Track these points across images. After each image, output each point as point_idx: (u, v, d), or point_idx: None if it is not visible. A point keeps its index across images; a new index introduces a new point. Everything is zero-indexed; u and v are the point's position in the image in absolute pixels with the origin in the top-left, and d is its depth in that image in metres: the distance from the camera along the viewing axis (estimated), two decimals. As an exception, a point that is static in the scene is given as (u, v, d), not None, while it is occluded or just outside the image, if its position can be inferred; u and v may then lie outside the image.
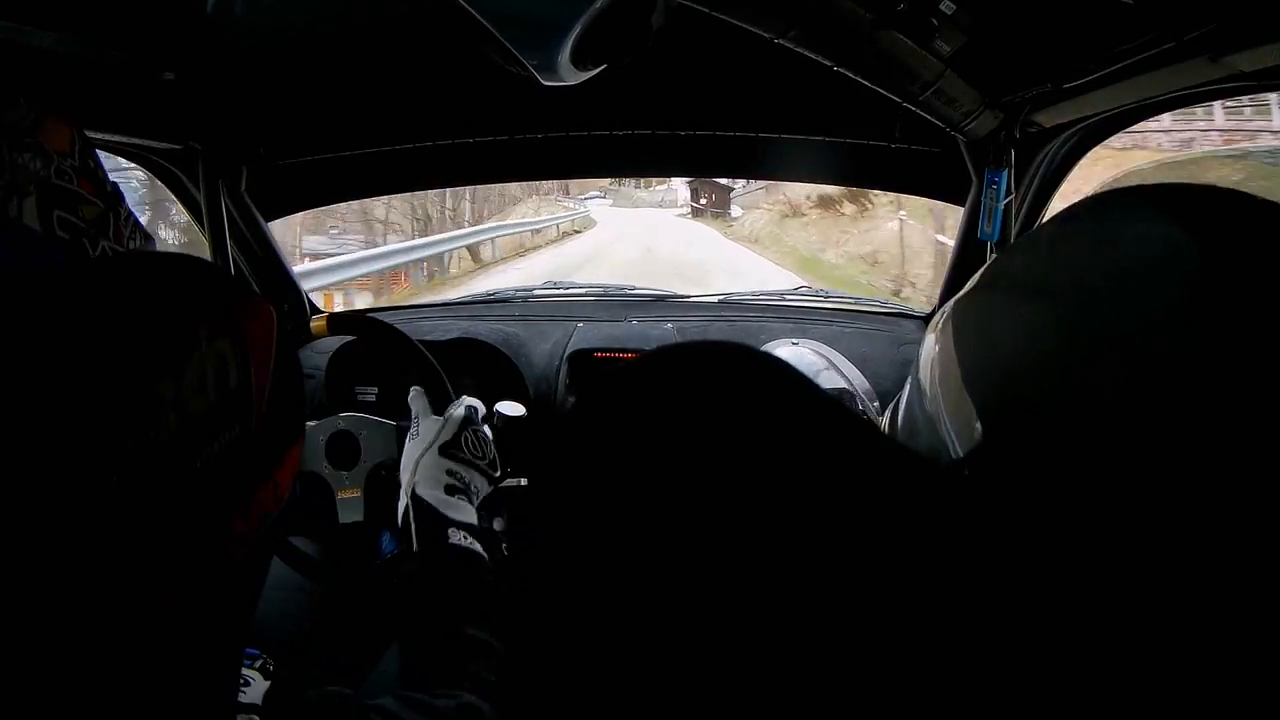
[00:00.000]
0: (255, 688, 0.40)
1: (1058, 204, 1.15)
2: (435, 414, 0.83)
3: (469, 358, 1.32)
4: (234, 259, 1.31)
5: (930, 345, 0.35)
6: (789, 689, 0.16)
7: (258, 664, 0.42)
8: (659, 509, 0.18)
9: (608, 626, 0.18)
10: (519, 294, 1.65)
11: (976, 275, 0.35)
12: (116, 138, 1.02)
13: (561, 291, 1.68)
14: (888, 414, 0.41)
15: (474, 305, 1.63)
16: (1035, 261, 0.31)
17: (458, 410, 0.83)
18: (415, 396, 0.85)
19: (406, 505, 0.74)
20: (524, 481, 1.21)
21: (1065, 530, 0.23)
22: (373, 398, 1.30)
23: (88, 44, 0.76)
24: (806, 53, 0.76)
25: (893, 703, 0.16)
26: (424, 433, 0.80)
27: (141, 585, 0.27)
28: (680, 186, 28.81)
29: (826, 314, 1.50)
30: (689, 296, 1.61)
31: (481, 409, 0.88)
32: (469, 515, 0.74)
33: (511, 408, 1.05)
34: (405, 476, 0.77)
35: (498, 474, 0.84)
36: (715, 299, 1.60)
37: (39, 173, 0.31)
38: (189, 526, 0.29)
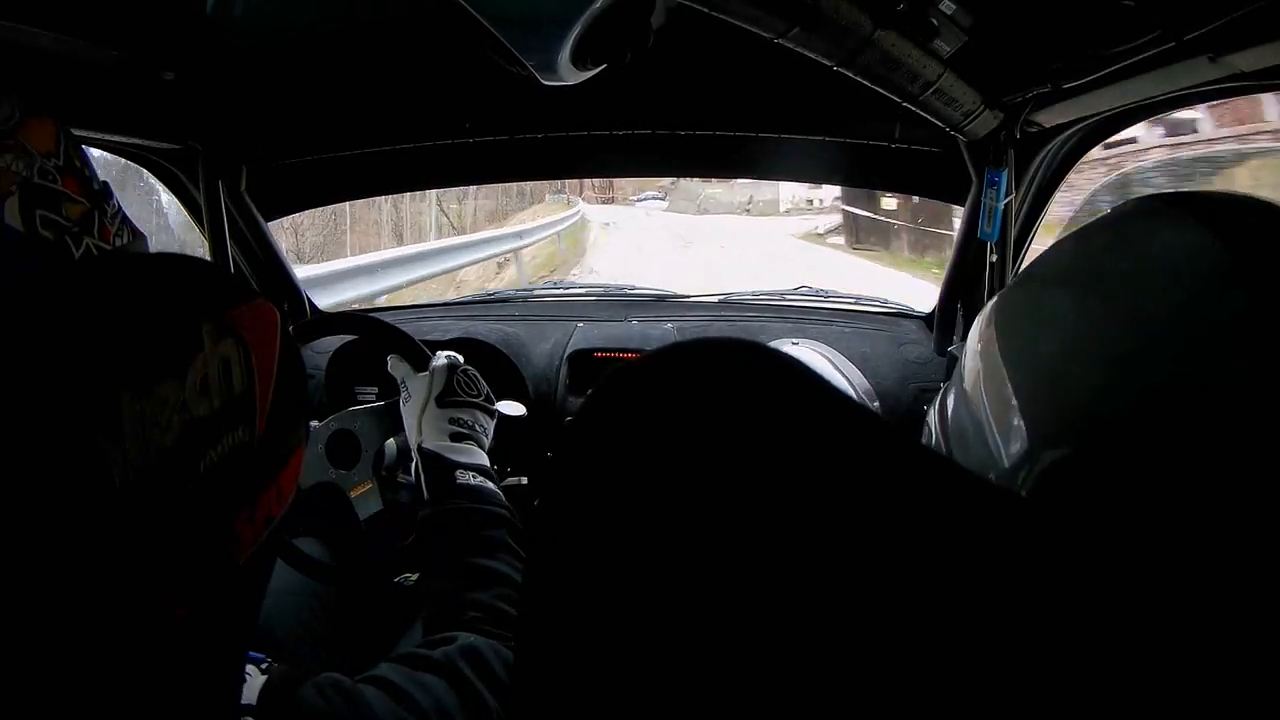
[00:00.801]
0: (251, 683, 0.40)
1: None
2: (419, 371, 0.83)
3: (469, 357, 1.31)
4: (234, 259, 1.31)
5: (972, 340, 0.35)
6: (802, 691, 0.16)
7: (263, 667, 0.42)
8: (669, 506, 0.18)
9: (619, 627, 0.18)
10: (519, 294, 1.66)
11: (1022, 270, 0.34)
12: (116, 138, 1.02)
13: (561, 291, 1.69)
14: (934, 415, 0.41)
15: (474, 305, 1.63)
16: (1090, 259, 0.31)
17: (440, 360, 0.83)
18: (394, 363, 0.85)
19: (416, 461, 0.74)
20: (524, 480, 1.21)
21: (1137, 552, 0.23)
22: (373, 397, 1.30)
23: (87, 44, 0.76)
24: (806, 53, 0.76)
25: (901, 711, 0.16)
26: (415, 391, 0.80)
27: (145, 587, 0.27)
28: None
29: (826, 314, 1.50)
30: (689, 296, 1.61)
31: (460, 359, 0.88)
32: (478, 457, 0.74)
33: (512, 407, 1.05)
34: (411, 438, 0.77)
35: (494, 406, 0.84)
36: (715, 299, 1.60)
37: (20, 173, 0.31)
38: (193, 529, 0.29)
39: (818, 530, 0.17)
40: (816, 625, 0.16)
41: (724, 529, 0.18)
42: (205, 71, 0.92)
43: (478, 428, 0.78)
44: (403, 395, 0.83)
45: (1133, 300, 0.27)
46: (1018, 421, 0.29)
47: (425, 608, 0.62)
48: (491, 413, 0.83)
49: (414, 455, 0.76)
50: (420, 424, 0.76)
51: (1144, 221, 0.30)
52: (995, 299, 0.35)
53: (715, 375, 0.21)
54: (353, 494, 0.94)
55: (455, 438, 0.75)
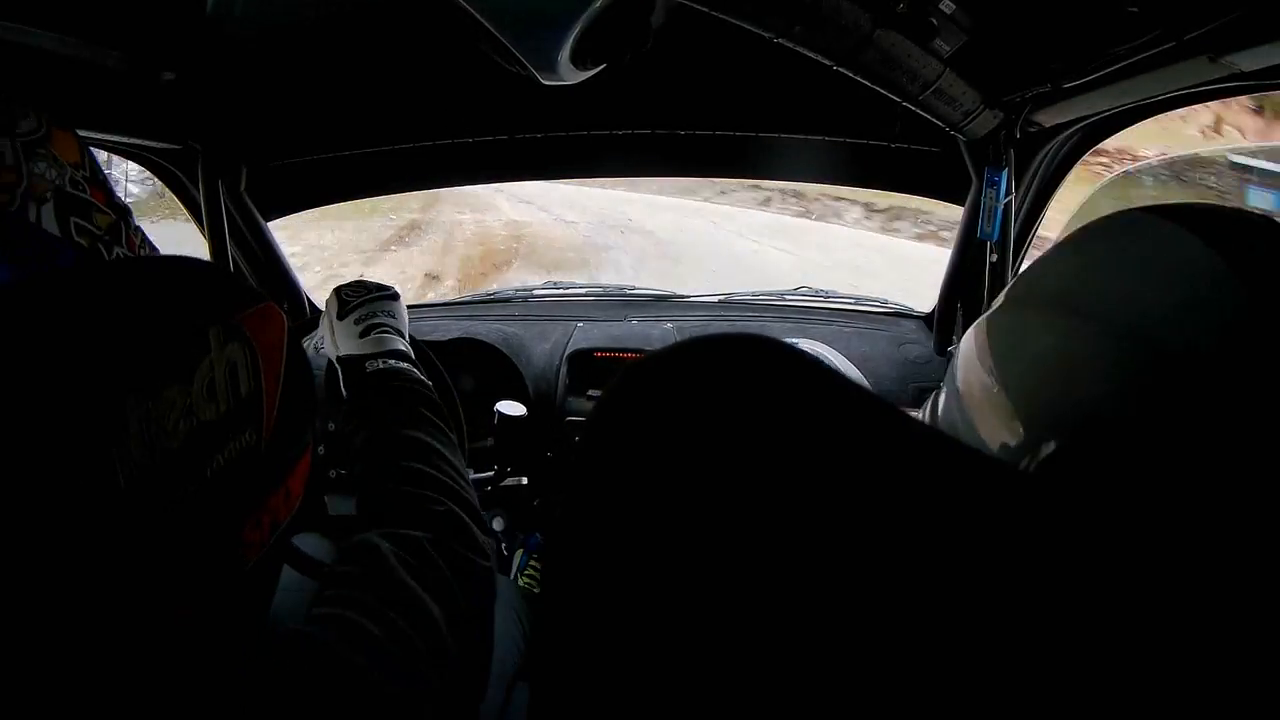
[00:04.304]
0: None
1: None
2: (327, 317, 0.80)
3: (469, 358, 1.32)
4: (234, 259, 1.31)
5: (966, 355, 0.37)
6: (828, 682, 0.16)
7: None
8: (688, 499, 0.18)
9: (637, 618, 0.18)
10: (519, 294, 1.65)
11: (1003, 293, 0.37)
12: (116, 138, 1.02)
13: (561, 291, 1.68)
14: (925, 412, 0.43)
15: (474, 305, 1.63)
16: (1067, 280, 0.33)
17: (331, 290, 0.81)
18: (329, 304, 0.81)
19: (335, 371, 0.73)
20: (525, 481, 1.21)
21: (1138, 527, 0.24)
22: None
23: (87, 44, 0.76)
24: (806, 52, 0.76)
25: (919, 700, 0.16)
26: (324, 329, 0.78)
27: (152, 591, 0.27)
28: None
29: (826, 314, 1.51)
30: (689, 296, 1.61)
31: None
32: (389, 344, 0.72)
33: (512, 407, 1.05)
34: (330, 355, 0.76)
35: (389, 289, 0.80)
36: (715, 299, 1.60)
37: (54, 181, 0.31)
38: (200, 534, 0.29)
39: (836, 517, 0.18)
40: (842, 612, 0.17)
41: (744, 518, 0.18)
42: (205, 71, 0.92)
43: (380, 314, 0.76)
44: (320, 334, 0.80)
45: (1129, 308, 0.28)
46: (1014, 422, 0.31)
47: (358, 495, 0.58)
48: (390, 295, 0.79)
49: (336, 367, 0.74)
50: (335, 343, 0.76)
51: (1135, 234, 0.31)
52: (989, 312, 0.37)
53: (730, 369, 0.21)
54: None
55: (364, 334, 0.73)
